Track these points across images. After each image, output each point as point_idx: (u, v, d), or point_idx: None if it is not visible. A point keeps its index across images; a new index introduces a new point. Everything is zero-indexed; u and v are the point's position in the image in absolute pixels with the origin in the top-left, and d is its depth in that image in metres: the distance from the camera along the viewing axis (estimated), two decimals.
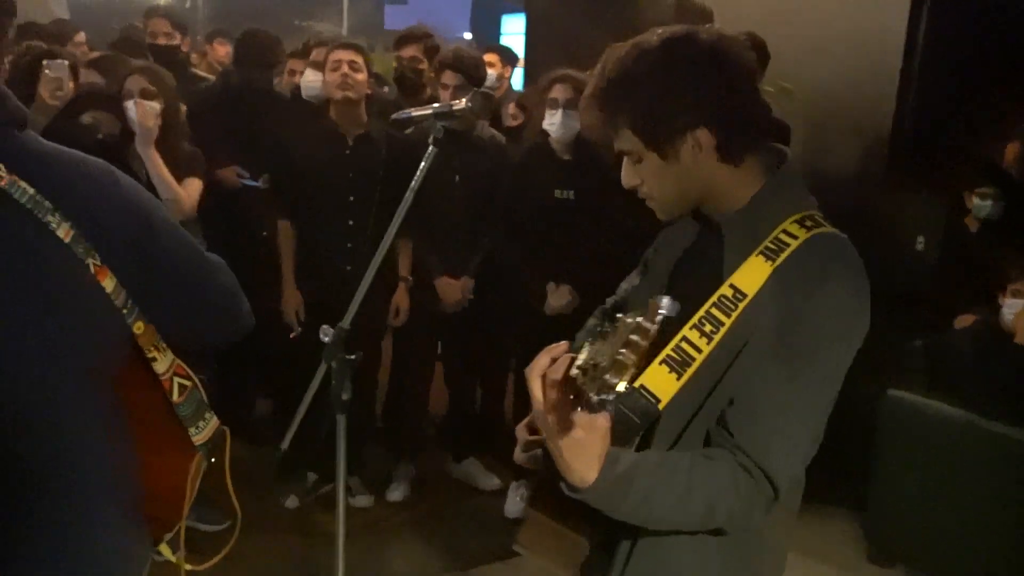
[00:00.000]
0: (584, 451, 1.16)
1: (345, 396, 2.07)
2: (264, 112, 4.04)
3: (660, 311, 1.05)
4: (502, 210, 3.72)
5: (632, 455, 1.24)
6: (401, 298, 3.71)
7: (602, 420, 1.14)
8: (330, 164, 3.53)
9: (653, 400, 1.24)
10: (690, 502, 1.24)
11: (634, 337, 1.00)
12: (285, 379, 3.91)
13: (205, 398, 1.48)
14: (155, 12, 4.97)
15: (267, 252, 3.73)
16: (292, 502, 3.80)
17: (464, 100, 1.88)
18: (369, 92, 3.62)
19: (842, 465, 2.56)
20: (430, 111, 1.91)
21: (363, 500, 3.86)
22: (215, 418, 1.50)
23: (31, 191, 1.20)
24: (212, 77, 4.84)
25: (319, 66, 3.80)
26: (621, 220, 2.86)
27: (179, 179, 3.18)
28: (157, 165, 3.10)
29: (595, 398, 0.99)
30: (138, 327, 1.34)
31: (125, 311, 1.31)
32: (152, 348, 1.37)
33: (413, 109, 1.94)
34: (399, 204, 2.02)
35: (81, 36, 5.08)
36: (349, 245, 3.54)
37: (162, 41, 4.64)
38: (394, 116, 1.98)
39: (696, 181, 1.36)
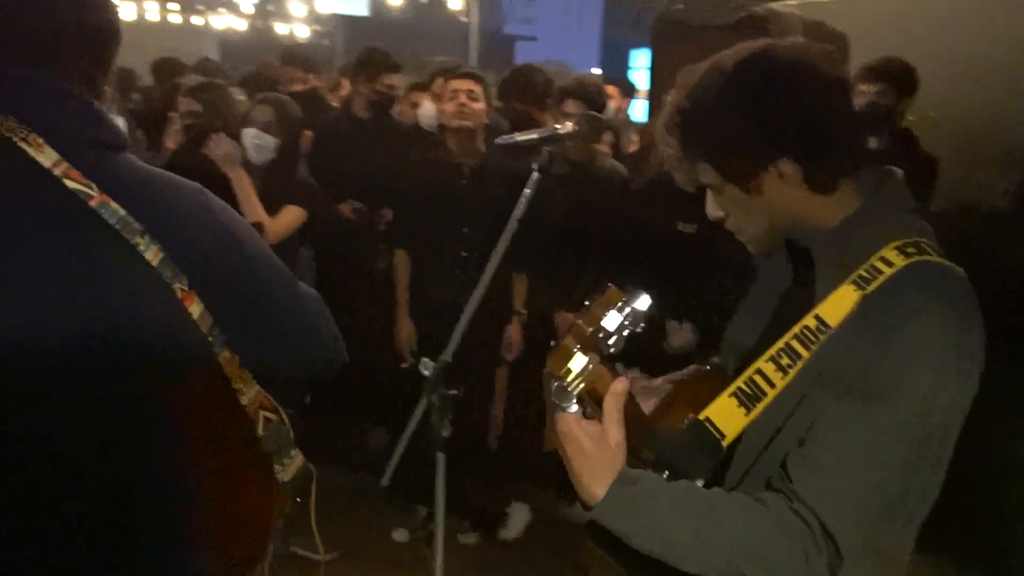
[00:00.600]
0: (589, 462, 1.12)
1: (445, 433, 1.99)
2: (383, 142, 4.06)
3: (624, 302, 1.08)
4: (620, 242, 3.60)
5: (655, 478, 1.14)
6: (515, 332, 3.63)
7: (613, 432, 1.11)
8: (446, 194, 3.51)
9: (718, 435, 1.14)
10: (714, 539, 1.10)
11: (579, 322, 1.02)
12: (397, 410, 3.88)
13: (292, 434, 1.43)
14: (290, 58, 5.08)
15: (382, 283, 3.73)
16: (401, 535, 3.76)
17: (570, 124, 1.79)
18: (487, 122, 3.59)
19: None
20: (535, 135, 1.83)
21: (470, 538, 3.78)
22: (301, 456, 1.45)
23: (121, 212, 1.19)
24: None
25: (438, 96, 3.81)
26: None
27: (279, 207, 3.22)
28: (244, 187, 3.13)
29: (557, 402, 1.03)
30: (224, 356, 1.29)
31: (211, 339, 1.27)
32: (237, 378, 1.33)
33: (518, 133, 1.87)
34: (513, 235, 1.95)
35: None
36: (462, 276, 3.49)
37: (298, 87, 4.77)
38: (498, 140, 1.91)
39: (784, 213, 1.23)
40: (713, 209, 1.29)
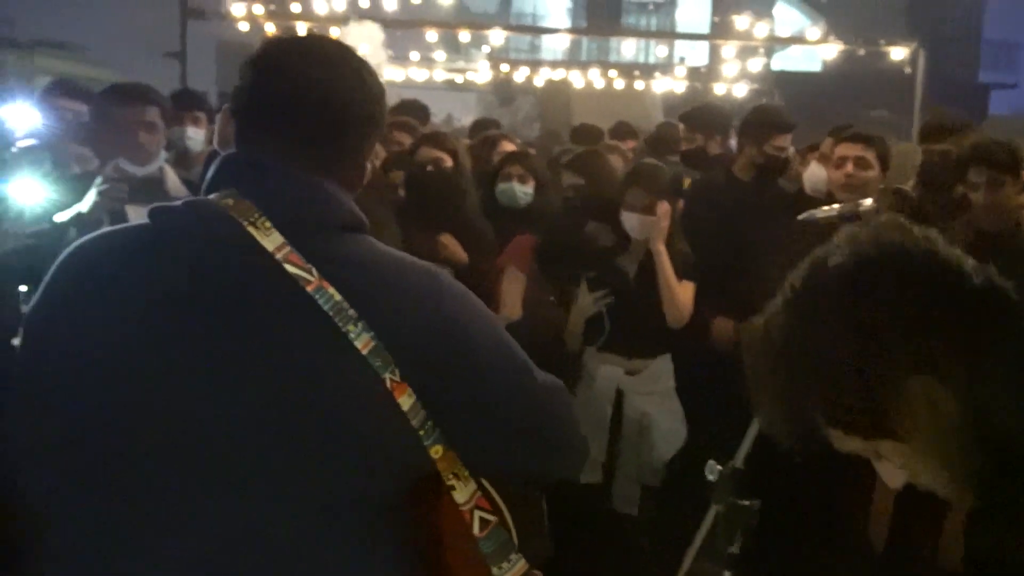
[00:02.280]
0: None
1: (732, 549, 1.73)
2: (760, 207, 3.77)
3: None
4: None
5: None
6: None
7: None
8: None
9: None
10: None
11: None
12: None
13: (514, 537, 1.31)
14: (688, 117, 4.99)
15: None
16: None
17: (872, 200, 1.47)
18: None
19: None
20: (835, 213, 1.54)
21: None
22: (522, 560, 1.32)
23: (336, 298, 1.17)
24: None
25: (826, 159, 3.46)
26: None
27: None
28: (664, 266, 3.15)
29: None
30: (435, 451, 1.22)
31: (422, 432, 1.20)
32: (451, 475, 1.25)
33: (819, 210, 1.58)
34: None
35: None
36: None
37: (684, 146, 4.70)
38: (800, 217, 1.63)
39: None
40: (896, 480, 1.06)
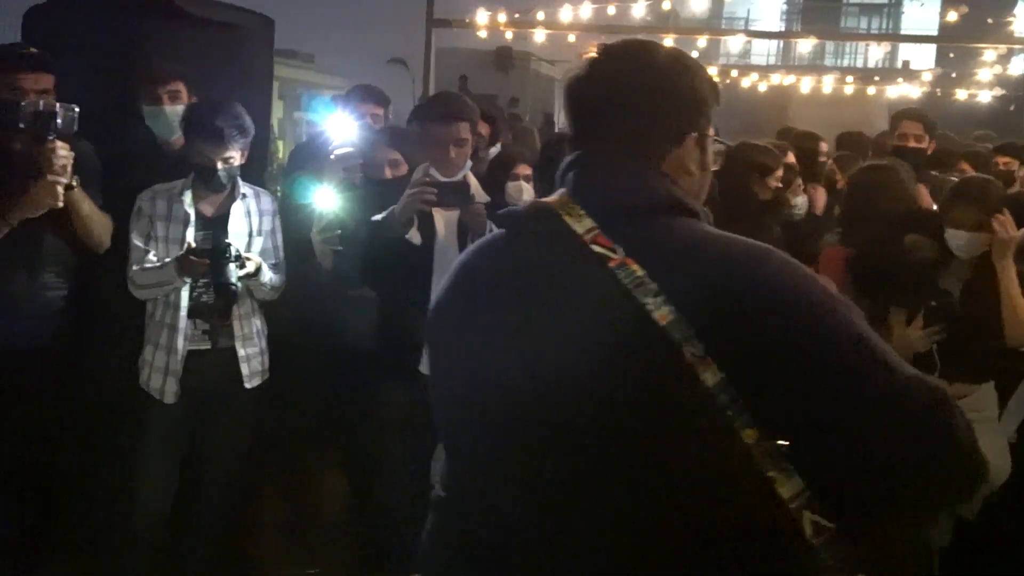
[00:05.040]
0: None
1: None
2: None
3: None
4: None
5: None
6: None
7: None
8: None
9: None
10: None
11: None
12: None
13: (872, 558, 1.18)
14: (908, 113, 4.77)
15: None
16: None
17: None
18: None
19: None
20: None
21: None
22: None
23: (639, 273, 1.21)
24: None
25: None
26: None
27: None
28: (1011, 282, 3.01)
29: None
30: (748, 434, 1.15)
31: (729, 412, 1.15)
32: (769, 464, 1.16)
33: None
34: None
35: None
36: None
37: (911, 144, 4.44)
38: None
39: None
40: None
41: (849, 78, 14.47)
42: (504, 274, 1.35)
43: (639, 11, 10.02)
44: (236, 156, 3.06)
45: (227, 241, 2.97)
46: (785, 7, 27.15)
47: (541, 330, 1.26)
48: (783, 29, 24.88)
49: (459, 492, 1.41)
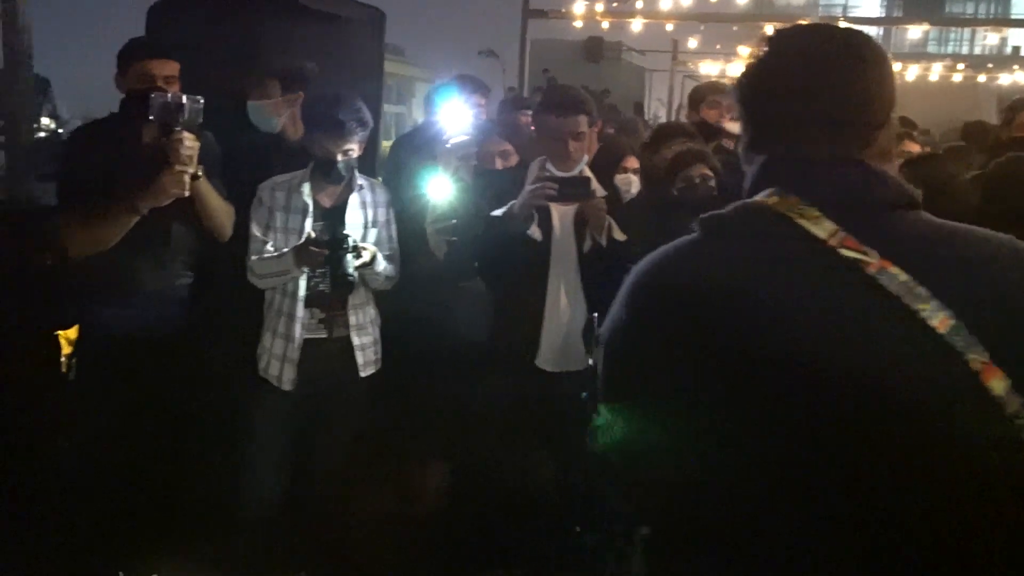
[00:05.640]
0: None
1: None
2: None
3: None
4: None
5: None
6: None
7: None
8: None
9: None
10: None
11: None
12: None
13: None
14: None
15: None
16: None
17: None
18: None
19: None
20: None
21: None
22: None
23: (903, 277, 1.11)
24: None
25: None
26: None
27: None
28: None
29: None
30: None
31: (1020, 422, 1.07)
32: None
33: None
34: None
35: None
36: None
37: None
38: None
39: None
40: None
41: (961, 65, 13.88)
42: (719, 286, 1.19)
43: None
44: (355, 148, 3.09)
45: (344, 232, 2.99)
46: None
47: (798, 353, 1.12)
48: (883, 16, 24.02)
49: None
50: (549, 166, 3.16)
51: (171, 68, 3.03)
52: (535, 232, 3.03)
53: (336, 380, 3.17)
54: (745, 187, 1.31)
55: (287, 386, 3.11)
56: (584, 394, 2.13)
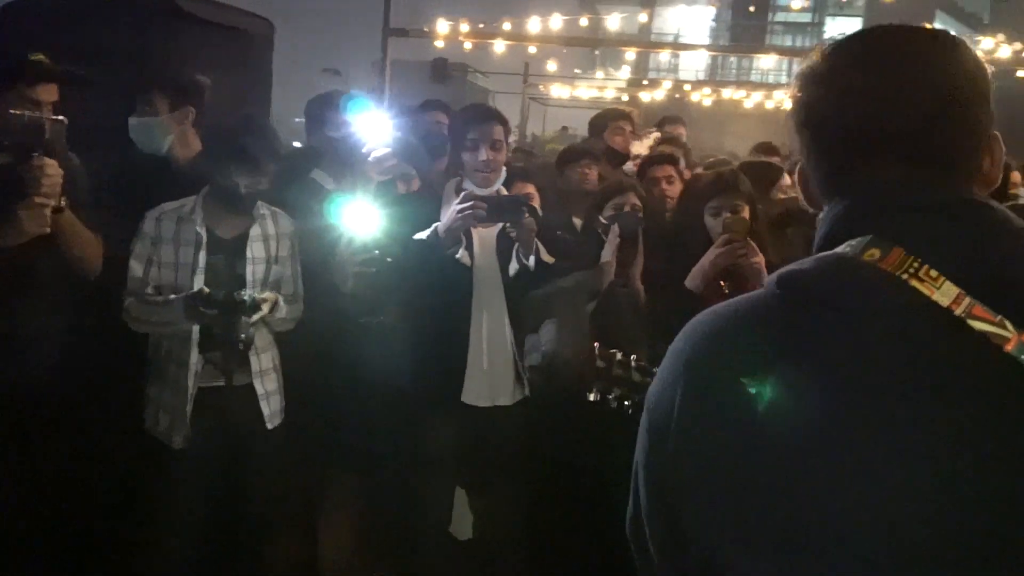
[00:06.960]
0: None
1: None
2: None
3: None
4: None
5: None
6: None
7: None
8: None
9: None
10: None
11: None
12: None
13: None
14: None
15: None
16: None
17: None
18: None
19: None
20: None
21: None
22: None
23: None
24: None
25: None
26: None
27: None
28: None
29: None
30: None
31: None
32: None
33: None
34: None
35: None
36: None
37: None
38: None
39: None
40: None
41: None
42: (812, 356, 0.95)
43: (614, 23, 9.95)
44: (264, 180, 2.75)
45: (242, 295, 2.63)
46: (713, 24, 27.60)
47: (926, 442, 0.90)
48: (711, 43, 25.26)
49: None
50: (467, 185, 2.97)
51: (53, 93, 2.58)
52: (464, 257, 2.82)
53: (238, 434, 2.80)
54: (818, 235, 1.07)
55: (178, 444, 2.71)
56: (591, 395, 1.93)
